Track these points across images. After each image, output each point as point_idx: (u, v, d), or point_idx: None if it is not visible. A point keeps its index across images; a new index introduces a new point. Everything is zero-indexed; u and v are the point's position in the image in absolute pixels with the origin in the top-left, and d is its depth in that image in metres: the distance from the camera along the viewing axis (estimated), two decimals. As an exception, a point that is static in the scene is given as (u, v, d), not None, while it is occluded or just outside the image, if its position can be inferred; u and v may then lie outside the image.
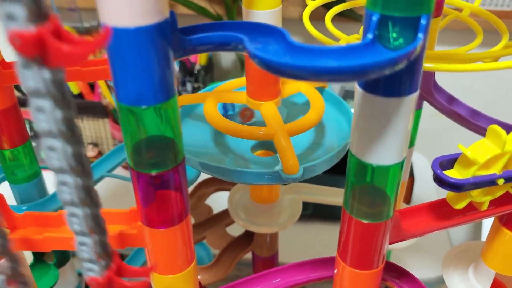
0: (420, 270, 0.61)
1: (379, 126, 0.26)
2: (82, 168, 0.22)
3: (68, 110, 0.20)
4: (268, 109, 0.43)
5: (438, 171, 0.30)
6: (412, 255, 0.67)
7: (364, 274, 0.32)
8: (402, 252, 0.67)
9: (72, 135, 0.21)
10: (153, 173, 0.28)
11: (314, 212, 0.74)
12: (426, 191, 0.82)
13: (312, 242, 0.73)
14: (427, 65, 0.32)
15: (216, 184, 0.61)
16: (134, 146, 0.27)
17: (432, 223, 0.33)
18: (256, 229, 0.50)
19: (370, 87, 0.25)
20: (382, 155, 0.27)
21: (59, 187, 0.22)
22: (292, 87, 0.47)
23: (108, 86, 0.74)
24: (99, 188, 0.54)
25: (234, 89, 0.49)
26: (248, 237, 0.55)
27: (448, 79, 0.45)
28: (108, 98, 0.74)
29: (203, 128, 0.49)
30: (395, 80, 0.25)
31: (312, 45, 0.23)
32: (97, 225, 0.26)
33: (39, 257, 0.51)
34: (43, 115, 0.20)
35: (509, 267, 0.37)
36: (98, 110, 0.78)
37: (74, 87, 0.78)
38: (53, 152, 0.21)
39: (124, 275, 0.28)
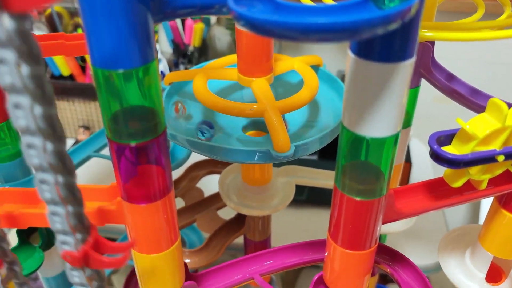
0: (417, 257, 0.60)
1: (372, 95, 0.24)
2: (53, 129, 0.21)
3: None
4: (259, 86, 0.41)
5: (435, 147, 0.29)
6: (408, 241, 0.66)
7: (356, 255, 0.31)
8: (397, 238, 0.66)
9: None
10: (132, 144, 0.26)
11: (309, 197, 0.72)
12: (424, 177, 0.80)
13: (307, 227, 0.71)
14: (426, 34, 0.30)
15: (208, 166, 0.59)
16: (112, 115, 0.26)
17: (428, 203, 0.32)
18: (248, 212, 0.49)
19: (363, 52, 0.24)
20: (376, 126, 0.25)
21: (25, 150, 0.21)
22: (285, 65, 0.45)
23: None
24: (86, 168, 0.53)
25: (225, 66, 0.48)
26: (239, 220, 0.53)
27: (446, 60, 0.43)
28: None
29: (193, 107, 0.47)
30: (390, 45, 0.23)
31: (301, 3, 0.21)
32: (71, 194, 0.24)
33: (24, 239, 0.50)
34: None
35: (507, 251, 0.36)
36: (90, 92, 0.76)
37: (65, 68, 0.76)
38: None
39: (102, 251, 0.27)
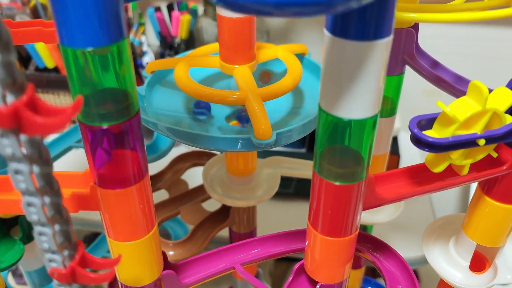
0: (404, 249, 0.59)
1: (349, 75, 0.24)
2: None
3: None
4: (241, 73, 0.41)
5: (416, 130, 0.28)
6: (395, 233, 0.66)
7: (336, 242, 0.30)
8: (384, 230, 0.65)
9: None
10: (104, 126, 0.26)
11: (296, 191, 0.72)
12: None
13: (294, 221, 0.71)
14: (409, 15, 0.29)
15: (192, 159, 0.59)
16: (82, 95, 0.25)
17: (410, 188, 0.31)
18: (232, 203, 0.48)
19: (339, 30, 0.23)
20: (353, 107, 0.25)
21: None
22: (269, 53, 0.45)
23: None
24: (67, 159, 0.52)
25: (210, 54, 0.47)
26: (224, 212, 0.53)
27: (429, 47, 0.42)
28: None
29: (175, 97, 0.46)
30: (365, 22, 0.22)
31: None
32: (58, 212, 0.25)
33: (4, 232, 0.49)
34: None
35: (490, 238, 0.36)
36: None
37: (50, 60, 0.74)
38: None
39: (89, 266, 0.26)
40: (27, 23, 0.43)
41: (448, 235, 0.40)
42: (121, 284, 0.33)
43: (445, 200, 0.92)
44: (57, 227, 0.25)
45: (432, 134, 0.29)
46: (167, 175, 0.57)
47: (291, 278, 0.34)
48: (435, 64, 0.40)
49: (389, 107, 0.43)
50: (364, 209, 0.30)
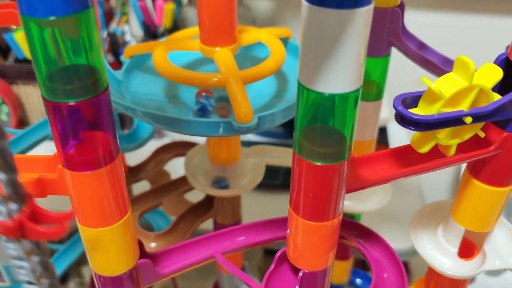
0: (394, 240, 0.58)
1: (329, 46, 0.23)
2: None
3: None
4: (222, 56, 0.39)
5: (400, 108, 0.27)
6: (384, 224, 0.64)
7: (319, 227, 0.29)
8: (373, 221, 0.64)
9: None
10: (71, 102, 0.24)
11: (283, 182, 0.70)
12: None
13: (281, 213, 0.69)
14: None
15: (175, 149, 0.57)
16: (46, 72, 0.23)
17: (395, 170, 0.30)
18: (215, 193, 0.46)
19: (317, -3, 0.22)
20: (334, 81, 0.24)
21: None
22: (252, 36, 0.43)
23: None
24: (44, 149, 0.50)
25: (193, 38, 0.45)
26: (207, 203, 0.51)
27: (416, 30, 0.41)
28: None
29: (155, 83, 0.45)
30: (345, -12, 0.21)
31: None
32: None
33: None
34: None
35: (479, 223, 0.34)
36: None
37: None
38: None
39: (40, 221, 0.24)
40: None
41: (437, 221, 0.39)
42: (95, 274, 0.31)
43: (436, 190, 0.91)
44: (1, 175, 0.23)
45: (418, 112, 0.27)
46: (149, 166, 0.56)
47: (273, 266, 0.33)
48: (422, 45, 0.39)
49: (375, 91, 0.41)
50: (347, 191, 0.29)
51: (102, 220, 0.28)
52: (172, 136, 0.81)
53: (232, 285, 0.58)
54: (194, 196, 0.53)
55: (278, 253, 0.33)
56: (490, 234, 0.36)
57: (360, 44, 0.23)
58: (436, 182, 0.89)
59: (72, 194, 0.27)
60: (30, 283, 0.27)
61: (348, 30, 0.22)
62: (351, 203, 0.47)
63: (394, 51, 0.40)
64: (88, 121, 0.25)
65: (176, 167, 0.57)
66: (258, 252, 0.80)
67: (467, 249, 0.37)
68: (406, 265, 0.71)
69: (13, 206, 0.24)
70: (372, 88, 0.41)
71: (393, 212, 0.60)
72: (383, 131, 0.75)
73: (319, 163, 0.26)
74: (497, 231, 0.38)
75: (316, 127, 0.26)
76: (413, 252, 0.69)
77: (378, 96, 0.42)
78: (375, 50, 0.39)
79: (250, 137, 0.79)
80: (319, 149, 0.26)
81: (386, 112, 0.67)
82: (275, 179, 0.68)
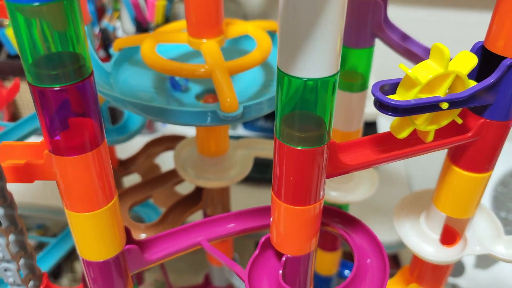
0: (382, 233, 0.59)
1: (305, 31, 0.23)
2: None
3: None
4: (209, 48, 0.40)
5: (378, 94, 0.28)
6: (372, 217, 0.65)
7: (301, 211, 0.30)
8: (360, 213, 0.65)
9: None
10: (56, 87, 0.25)
11: (274, 177, 0.71)
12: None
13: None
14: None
15: (165, 143, 0.58)
16: (33, 59, 0.24)
17: (374, 156, 0.31)
18: (204, 183, 0.47)
19: (294, -17, 0.22)
20: (311, 66, 0.24)
21: None
22: (239, 28, 0.44)
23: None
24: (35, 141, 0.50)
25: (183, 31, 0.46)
26: (197, 195, 0.52)
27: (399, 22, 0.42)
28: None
29: (144, 75, 0.45)
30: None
31: None
32: (22, 248, 0.28)
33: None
34: None
35: (459, 209, 0.35)
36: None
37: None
38: None
39: None
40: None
41: (419, 209, 0.39)
42: (82, 259, 0.32)
43: (425, 183, 0.91)
44: (21, 261, 0.28)
45: (395, 98, 0.28)
46: (139, 159, 0.56)
47: (257, 252, 0.33)
48: (405, 37, 0.40)
49: (359, 82, 0.42)
50: (328, 176, 0.30)
51: (88, 205, 0.29)
52: (163, 132, 0.81)
53: (222, 277, 0.59)
54: (184, 189, 0.54)
55: (262, 239, 0.34)
56: (470, 220, 0.37)
57: (336, 29, 0.23)
58: (425, 175, 0.90)
59: (58, 179, 0.28)
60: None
61: (324, 15, 0.23)
62: (338, 194, 0.47)
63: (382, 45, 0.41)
64: (73, 106, 0.26)
65: (166, 161, 0.58)
66: (249, 245, 0.80)
67: (449, 236, 0.38)
68: (395, 257, 0.72)
69: (31, 284, 0.30)
70: (357, 79, 0.42)
71: (382, 205, 0.61)
72: (372, 126, 0.76)
73: (299, 148, 0.27)
74: (478, 219, 0.39)
75: (296, 113, 0.26)
76: (403, 244, 0.70)
77: (363, 87, 0.42)
78: (359, 41, 0.40)
79: (241, 132, 0.80)
80: (299, 134, 0.27)
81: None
82: (265, 173, 0.68)
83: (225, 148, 0.48)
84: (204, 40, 0.41)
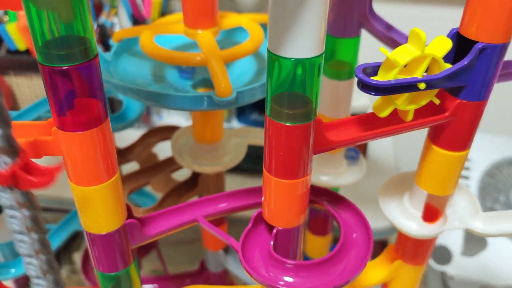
0: (372, 220, 0.61)
1: (293, 13, 0.26)
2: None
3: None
4: (204, 38, 0.42)
5: (360, 75, 0.30)
6: (364, 205, 0.67)
7: (290, 184, 0.32)
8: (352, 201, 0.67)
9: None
10: (64, 67, 0.27)
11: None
12: (381, 145, 0.83)
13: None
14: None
15: (162, 133, 0.60)
16: (43, 41, 0.26)
17: (358, 133, 0.33)
18: (200, 168, 0.49)
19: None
20: (298, 46, 0.27)
21: None
22: (233, 20, 0.46)
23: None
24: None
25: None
26: (193, 181, 0.54)
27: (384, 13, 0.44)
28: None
29: (142, 65, 0.48)
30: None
31: None
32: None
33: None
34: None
35: (440, 187, 0.38)
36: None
37: (21, 43, 0.75)
38: None
39: (31, 173, 0.27)
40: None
41: (403, 189, 0.42)
42: (86, 232, 0.34)
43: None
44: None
45: (377, 79, 0.30)
46: (137, 148, 0.58)
47: (250, 226, 0.36)
48: (389, 27, 0.42)
49: (347, 71, 0.45)
50: (315, 152, 0.32)
51: (92, 179, 0.31)
52: (159, 125, 0.84)
53: (217, 262, 0.61)
54: (181, 176, 0.56)
55: (255, 214, 0.36)
56: (450, 198, 0.39)
57: (320, 14, 0.26)
58: (415, 165, 0.92)
59: (65, 154, 0.30)
60: (29, 256, 0.31)
61: (310, 1, 0.25)
62: (329, 178, 0.50)
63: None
64: (79, 85, 0.28)
65: (163, 150, 0.60)
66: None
67: (431, 213, 0.40)
68: (383, 243, 0.74)
69: (7, 159, 0.27)
70: (344, 68, 0.45)
71: (372, 193, 0.63)
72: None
73: (288, 124, 0.29)
74: (458, 198, 0.41)
75: (284, 92, 0.29)
76: (392, 230, 0.73)
77: (350, 75, 0.45)
78: (345, 31, 0.42)
79: (235, 125, 0.82)
80: (287, 111, 0.29)
81: (366, 100, 0.70)
82: (257, 164, 0.70)
83: (220, 136, 0.50)
84: (200, 31, 0.43)
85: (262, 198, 0.35)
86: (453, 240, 0.80)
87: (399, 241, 0.43)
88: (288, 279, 0.33)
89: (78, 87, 0.28)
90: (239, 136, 0.54)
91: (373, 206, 0.70)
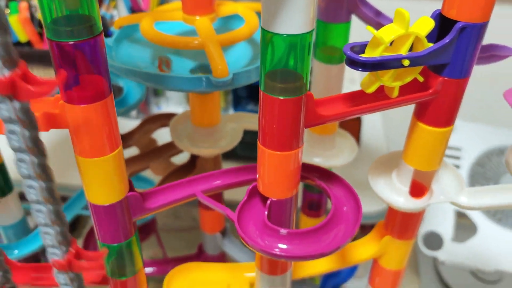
0: (366, 205, 0.63)
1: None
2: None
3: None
4: (202, 24, 0.44)
5: (349, 52, 0.32)
6: (357, 191, 0.69)
7: (283, 156, 0.34)
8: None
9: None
10: (71, 42, 0.29)
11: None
12: (373, 132, 0.85)
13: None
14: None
15: (161, 120, 0.62)
16: (52, 18, 0.28)
17: (347, 109, 0.35)
18: (198, 151, 0.51)
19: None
20: (290, 23, 0.29)
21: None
22: (229, 8, 0.48)
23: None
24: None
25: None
26: (191, 164, 0.56)
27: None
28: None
29: (143, 51, 0.49)
30: None
31: None
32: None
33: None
34: None
35: (425, 162, 0.40)
36: (49, 59, 0.77)
37: (23, 35, 0.77)
38: None
39: (30, 83, 0.27)
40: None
41: (392, 167, 0.44)
42: (90, 204, 0.36)
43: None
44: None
45: (364, 56, 0.32)
46: (137, 134, 0.60)
47: (245, 198, 0.38)
48: (378, 13, 0.44)
49: (338, 55, 0.47)
50: (306, 125, 0.34)
51: (96, 151, 0.33)
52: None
53: (215, 245, 0.63)
54: (180, 161, 0.58)
55: (250, 187, 0.38)
56: (435, 173, 0.41)
57: (310, -9, 0.28)
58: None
59: (71, 126, 0.32)
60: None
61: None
62: (321, 160, 0.52)
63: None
64: (84, 59, 0.30)
65: (162, 137, 0.62)
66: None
67: (417, 189, 0.42)
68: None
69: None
70: (335, 53, 0.47)
71: (364, 179, 0.66)
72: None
73: (281, 97, 0.31)
74: (444, 175, 0.43)
75: (277, 67, 0.31)
76: (383, 214, 0.75)
77: (341, 59, 0.47)
78: (336, 16, 0.44)
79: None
80: (280, 85, 0.31)
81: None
82: (252, 152, 0.73)
83: (217, 120, 0.52)
84: (197, 17, 0.45)
85: (257, 172, 0.37)
86: (444, 227, 0.82)
87: (388, 217, 0.45)
88: (282, 246, 0.35)
89: (84, 62, 0.30)
90: (235, 121, 0.56)
91: (365, 191, 0.72)
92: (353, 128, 0.77)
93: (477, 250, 0.79)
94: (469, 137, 0.87)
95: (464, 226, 0.83)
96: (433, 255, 0.80)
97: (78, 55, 0.29)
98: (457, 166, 0.85)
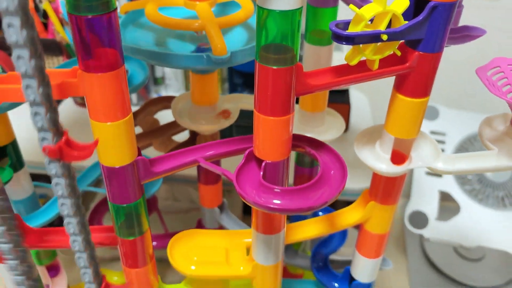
0: (351, 182, 0.68)
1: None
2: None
3: None
4: (202, 8, 0.48)
5: (334, 28, 0.36)
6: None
7: (276, 121, 0.38)
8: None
9: None
10: (89, 16, 0.33)
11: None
12: (362, 118, 0.89)
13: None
14: None
15: (163, 102, 0.66)
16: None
17: (334, 79, 0.39)
18: (197, 127, 0.55)
19: None
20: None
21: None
22: (226, -6, 0.53)
23: (61, 21, 0.77)
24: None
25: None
26: (191, 141, 0.60)
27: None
28: (62, 34, 0.78)
29: (147, 35, 0.53)
30: None
31: None
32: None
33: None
34: None
35: (404, 131, 0.44)
36: (52, 48, 0.81)
37: (29, 25, 0.80)
38: None
39: (73, 148, 0.33)
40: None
41: (376, 138, 0.48)
42: (102, 166, 0.40)
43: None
44: (48, 113, 0.33)
45: (348, 31, 0.37)
46: (141, 115, 0.64)
47: (242, 162, 0.42)
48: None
49: (326, 38, 0.51)
50: (297, 94, 0.38)
51: (109, 116, 0.37)
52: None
53: (213, 219, 0.67)
54: (181, 139, 0.62)
55: (247, 152, 0.42)
56: (414, 141, 0.45)
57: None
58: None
59: (87, 93, 0.36)
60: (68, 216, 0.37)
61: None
62: (313, 135, 0.55)
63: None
64: (101, 31, 0.34)
65: (164, 118, 0.66)
66: (237, 211, 0.89)
67: (398, 157, 0.46)
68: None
69: (54, 137, 0.34)
70: (324, 36, 0.51)
71: (353, 160, 0.70)
72: (345, 93, 0.85)
73: (274, 67, 0.36)
74: (422, 144, 0.47)
75: (271, 41, 0.35)
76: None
77: (330, 41, 0.51)
78: (325, 2, 0.49)
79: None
80: (273, 56, 0.35)
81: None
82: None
83: (215, 99, 0.56)
84: (198, 3, 0.49)
85: (253, 137, 0.41)
86: (429, 207, 0.87)
87: (372, 184, 0.50)
88: (277, 201, 0.39)
89: (100, 34, 0.34)
90: (232, 102, 0.60)
91: (354, 171, 0.76)
92: (342, 113, 0.81)
93: (460, 228, 0.84)
94: (453, 123, 0.92)
95: (449, 206, 0.88)
96: (419, 233, 0.84)
97: (95, 28, 0.33)
98: (442, 150, 0.90)
